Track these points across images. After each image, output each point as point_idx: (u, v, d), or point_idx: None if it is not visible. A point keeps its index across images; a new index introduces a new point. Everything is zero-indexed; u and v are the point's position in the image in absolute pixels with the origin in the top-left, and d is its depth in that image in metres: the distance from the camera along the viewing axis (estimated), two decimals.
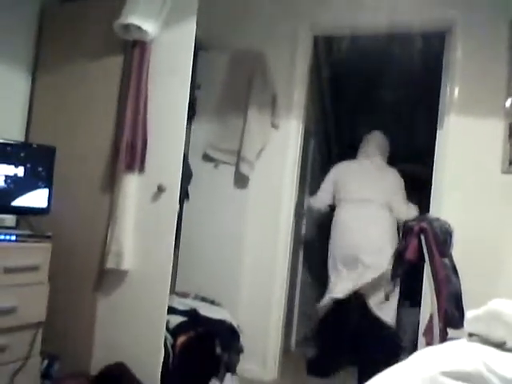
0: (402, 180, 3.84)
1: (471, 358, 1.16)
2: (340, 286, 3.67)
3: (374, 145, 3.97)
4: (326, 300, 3.73)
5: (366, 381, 1.39)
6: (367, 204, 3.73)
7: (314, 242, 4.58)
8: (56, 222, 2.78)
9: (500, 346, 1.23)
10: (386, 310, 3.63)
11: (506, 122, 3.08)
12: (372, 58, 4.40)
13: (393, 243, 3.60)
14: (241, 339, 3.22)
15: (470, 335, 1.41)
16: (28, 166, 2.63)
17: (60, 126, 3.03)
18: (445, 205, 3.14)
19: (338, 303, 3.69)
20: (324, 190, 3.97)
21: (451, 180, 3.16)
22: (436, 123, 3.31)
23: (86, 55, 3.01)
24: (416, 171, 4.33)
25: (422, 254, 2.27)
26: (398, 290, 3.63)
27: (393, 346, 3.56)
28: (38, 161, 2.68)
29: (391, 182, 3.83)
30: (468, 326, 1.41)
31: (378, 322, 3.61)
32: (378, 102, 4.94)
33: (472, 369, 1.11)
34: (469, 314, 1.42)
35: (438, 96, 3.32)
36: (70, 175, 2.92)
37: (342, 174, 3.92)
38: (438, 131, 3.28)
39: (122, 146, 2.80)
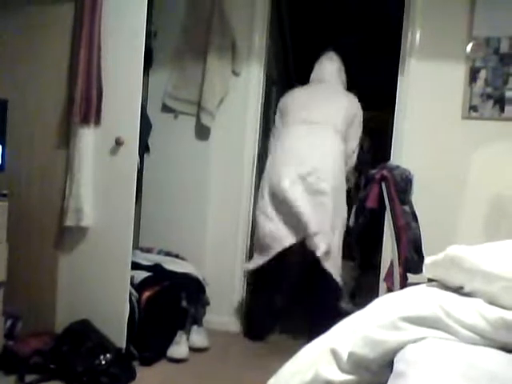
0: (361, 110, 3.40)
1: (429, 302, 1.18)
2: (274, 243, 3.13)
3: (329, 68, 3.50)
4: (256, 263, 3.26)
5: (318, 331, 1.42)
6: (315, 127, 3.23)
7: None
8: (11, 180, 2.71)
9: (457, 290, 1.25)
10: (332, 261, 3.14)
11: (466, 67, 3.08)
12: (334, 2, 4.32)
13: (342, 173, 3.21)
14: (206, 292, 3.24)
15: (430, 280, 1.44)
16: None
17: (10, 78, 2.88)
18: (405, 151, 3.16)
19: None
20: (277, 127, 3.47)
21: (412, 126, 3.17)
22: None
23: (34, 2, 2.85)
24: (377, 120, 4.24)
25: (382, 201, 2.29)
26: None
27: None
28: None
29: (348, 109, 3.32)
30: (427, 271, 1.43)
31: (324, 275, 3.12)
32: (340, 48, 4.87)
33: (429, 313, 1.13)
34: (428, 259, 1.43)
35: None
36: (24, 130, 2.83)
37: (290, 100, 3.44)
38: (399, 77, 3.25)
39: (76, 98, 2.70)
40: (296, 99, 3.42)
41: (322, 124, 3.23)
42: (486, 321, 1.06)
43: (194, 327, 3.09)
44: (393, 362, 1.09)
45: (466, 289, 1.22)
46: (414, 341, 1.09)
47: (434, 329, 1.10)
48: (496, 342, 1.04)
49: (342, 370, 1.18)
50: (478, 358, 1.01)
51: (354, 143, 3.38)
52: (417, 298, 1.25)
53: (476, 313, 1.09)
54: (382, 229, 3.01)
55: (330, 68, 3.52)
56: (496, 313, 1.07)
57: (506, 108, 3.03)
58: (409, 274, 2.34)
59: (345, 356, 1.19)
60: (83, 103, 2.71)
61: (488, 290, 1.14)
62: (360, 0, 4.18)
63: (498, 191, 3.01)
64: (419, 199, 2.55)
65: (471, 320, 1.08)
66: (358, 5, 4.23)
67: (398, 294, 1.40)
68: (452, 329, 1.08)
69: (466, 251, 1.29)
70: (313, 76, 3.57)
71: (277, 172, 3.15)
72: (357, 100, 3.41)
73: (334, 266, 3.13)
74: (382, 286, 2.78)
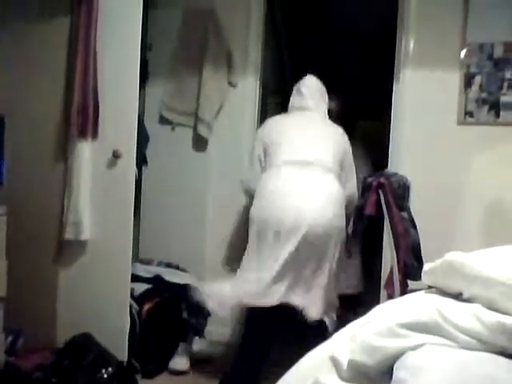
0: (349, 142, 2.94)
1: (427, 308, 1.18)
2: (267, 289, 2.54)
3: (310, 94, 2.99)
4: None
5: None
6: (308, 167, 2.70)
7: None
8: (10, 195, 2.70)
9: (456, 297, 1.25)
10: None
11: (461, 73, 3.09)
12: (330, 11, 4.35)
13: (343, 220, 2.69)
14: None
15: (429, 287, 1.44)
16: None
17: (7, 93, 2.89)
18: (402, 159, 3.16)
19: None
20: (257, 160, 2.91)
21: (408, 134, 3.18)
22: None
23: (31, 15, 2.87)
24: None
25: (380, 208, 2.30)
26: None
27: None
28: None
29: (339, 144, 2.87)
30: (425, 278, 1.43)
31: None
32: (337, 58, 4.89)
33: (428, 318, 1.13)
34: (426, 266, 1.44)
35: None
36: (22, 145, 2.84)
37: (274, 132, 2.89)
38: (394, 84, 3.27)
39: (72, 112, 2.71)
40: (279, 132, 2.89)
41: (314, 164, 2.73)
42: (484, 325, 1.06)
43: (196, 339, 3.08)
44: (392, 368, 1.09)
45: (465, 295, 1.22)
46: (414, 347, 1.09)
47: (433, 334, 1.11)
48: (495, 346, 1.04)
49: (342, 379, 1.18)
50: (478, 363, 1.01)
51: (352, 184, 2.91)
52: (414, 304, 1.25)
53: (473, 317, 1.09)
54: (381, 236, 3.01)
55: (312, 93, 3.01)
56: (494, 317, 1.07)
57: (502, 113, 3.04)
58: (410, 281, 2.34)
59: (345, 363, 1.19)
60: (80, 117, 2.73)
61: (487, 295, 1.15)
62: (356, 9, 4.21)
63: (495, 196, 3.01)
64: (416, 206, 2.55)
65: (469, 325, 1.08)
66: (354, 14, 4.26)
67: (397, 301, 1.40)
68: (451, 334, 1.08)
69: (464, 257, 1.29)
70: (292, 102, 3.05)
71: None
72: (344, 132, 2.97)
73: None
74: (383, 293, 2.77)
